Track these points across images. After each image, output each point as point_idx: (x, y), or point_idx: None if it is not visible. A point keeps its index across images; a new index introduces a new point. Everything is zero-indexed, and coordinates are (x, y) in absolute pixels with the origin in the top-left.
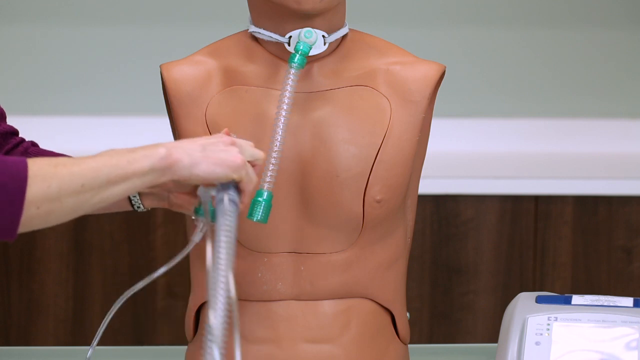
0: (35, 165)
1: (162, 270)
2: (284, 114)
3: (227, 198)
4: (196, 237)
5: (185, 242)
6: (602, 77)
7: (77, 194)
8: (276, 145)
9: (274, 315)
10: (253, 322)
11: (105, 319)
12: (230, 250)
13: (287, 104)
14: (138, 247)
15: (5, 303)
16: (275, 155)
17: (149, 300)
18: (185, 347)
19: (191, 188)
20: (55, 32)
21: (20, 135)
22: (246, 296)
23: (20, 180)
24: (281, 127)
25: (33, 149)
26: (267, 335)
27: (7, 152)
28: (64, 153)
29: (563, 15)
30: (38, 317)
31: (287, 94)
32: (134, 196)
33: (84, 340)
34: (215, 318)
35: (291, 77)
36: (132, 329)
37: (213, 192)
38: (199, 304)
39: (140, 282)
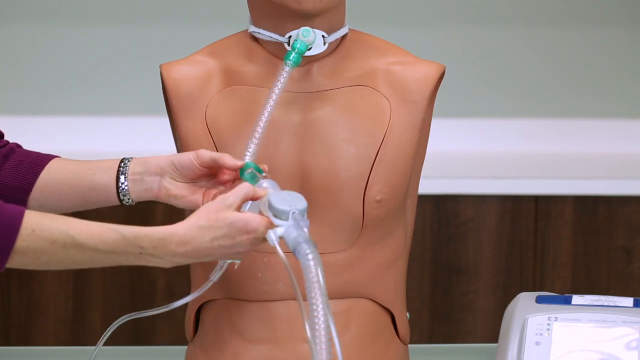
0: (28, 239)
1: (180, 302)
2: (268, 109)
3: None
4: (215, 277)
5: None
6: (602, 77)
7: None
8: (255, 137)
9: (274, 315)
10: (253, 322)
11: (102, 337)
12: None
13: (274, 100)
14: None
15: (5, 303)
16: (252, 147)
17: (149, 300)
18: (185, 347)
19: (193, 177)
20: (55, 32)
21: (5, 138)
22: (246, 296)
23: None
24: (264, 120)
25: (18, 150)
26: (267, 335)
27: None
28: (54, 154)
29: (563, 15)
30: (38, 317)
31: (277, 90)
32: (122, 191)
33: (84, 340)
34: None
35: (284, 74)
36: (132, 329)
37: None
38: (199, 304)
39: (150, 310)
